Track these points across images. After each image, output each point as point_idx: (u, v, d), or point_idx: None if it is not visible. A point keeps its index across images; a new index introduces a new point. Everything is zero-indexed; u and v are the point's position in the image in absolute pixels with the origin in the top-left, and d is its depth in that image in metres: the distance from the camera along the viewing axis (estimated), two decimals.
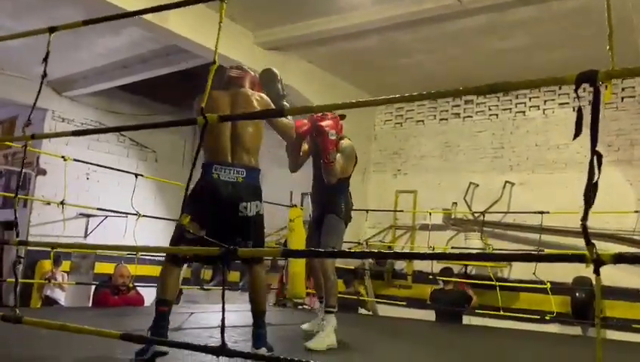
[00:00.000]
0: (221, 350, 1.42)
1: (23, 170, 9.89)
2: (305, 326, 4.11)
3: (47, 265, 8.34)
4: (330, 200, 3.89)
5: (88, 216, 9.56)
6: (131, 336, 1.57)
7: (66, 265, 8.74)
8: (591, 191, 1.04)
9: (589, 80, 1.12)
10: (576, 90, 1.15)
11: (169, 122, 1.84)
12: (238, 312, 5.88)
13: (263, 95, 3.13)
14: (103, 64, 8.54)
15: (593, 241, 1.06)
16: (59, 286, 8.16)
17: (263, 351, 2.89)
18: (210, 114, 2.88)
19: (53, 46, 7.43)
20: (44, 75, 1.99)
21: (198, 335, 3.87)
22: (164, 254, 2.75)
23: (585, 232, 1.04)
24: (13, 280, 7.78)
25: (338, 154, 3.79)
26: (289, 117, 3.26)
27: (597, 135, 1.07)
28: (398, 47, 7.24)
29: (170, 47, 7.66)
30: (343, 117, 3.96)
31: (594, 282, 1.11)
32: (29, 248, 8.93)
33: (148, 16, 5.93)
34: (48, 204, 6.36)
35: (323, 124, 3.66)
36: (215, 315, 5.24)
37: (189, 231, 2.66)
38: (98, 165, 6.94)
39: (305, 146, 3.95)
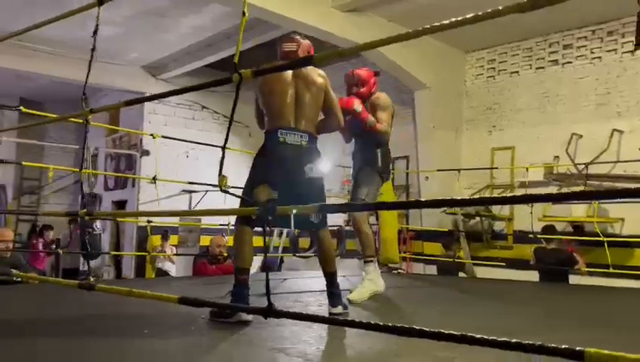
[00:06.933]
0: (268, 311, 1.39)
1: (130, 152, 10.64)
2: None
3: (155, 240, 8.89)
4: (367, 154, 3.94)
5: (191, 192, 10.04)
6: (187, 300, 1.59)
7: (174, 238, 9.28)
8: None
9: None
10: None
11: (204, 84, 1.84)
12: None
13: (322, 73, 3.18)
14: (189, 44, 8.81)
15: None
16: (168, 258, 8.68)
17: (338, 309, 3.08)
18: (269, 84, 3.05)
19: (144, 32, 7.63)
20: (94, 49, 2.05)
21: (282, 298, 3.93)
22: (236, 219, 2.80)
23: None
24: (131, 253, 8.28)
25: (378, 113, 3.84)
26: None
27: None
28: None
29: (250, 21, 7.72)
30: (377, 73, 4.04)
31: None
32: (139, 225, 9.62)
33: None
34: (150, 181, 6.72)
35: (350, 102, 3.71)
36: (308, 281, 5.31)
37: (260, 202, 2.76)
38: (179, 140, 7.19)
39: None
